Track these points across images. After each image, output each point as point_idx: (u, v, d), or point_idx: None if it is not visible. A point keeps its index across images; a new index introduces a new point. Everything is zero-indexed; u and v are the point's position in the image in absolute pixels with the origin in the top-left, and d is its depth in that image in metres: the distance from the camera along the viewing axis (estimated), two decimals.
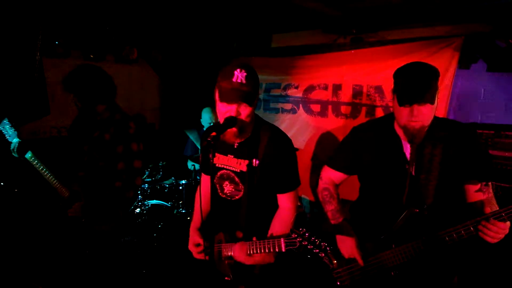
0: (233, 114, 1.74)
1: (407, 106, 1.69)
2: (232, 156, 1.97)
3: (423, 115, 1.69)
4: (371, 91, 3.78)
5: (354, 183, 2.21)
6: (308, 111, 4.31)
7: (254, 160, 1.90)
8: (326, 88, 4.13)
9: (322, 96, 4.16)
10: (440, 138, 1.82)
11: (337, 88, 4.03)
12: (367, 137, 1.99)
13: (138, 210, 4.05)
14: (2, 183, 3.82)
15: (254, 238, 1.81)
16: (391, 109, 3.54)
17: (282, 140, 1.94)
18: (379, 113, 3.75)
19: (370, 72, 3.77)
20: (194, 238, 2.07)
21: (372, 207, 2.04)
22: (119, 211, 2.58)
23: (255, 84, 1.77)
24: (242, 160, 1.93)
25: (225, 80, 1.73)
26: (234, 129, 1.77)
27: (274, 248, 1.70)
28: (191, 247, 2.08)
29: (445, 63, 3.34)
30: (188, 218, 4.01)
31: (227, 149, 1.98)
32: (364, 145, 1.99)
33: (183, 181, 4.23)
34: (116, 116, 2.60)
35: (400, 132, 1.88)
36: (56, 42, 4.37)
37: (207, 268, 2.06)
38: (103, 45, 4.63)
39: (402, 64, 3.48)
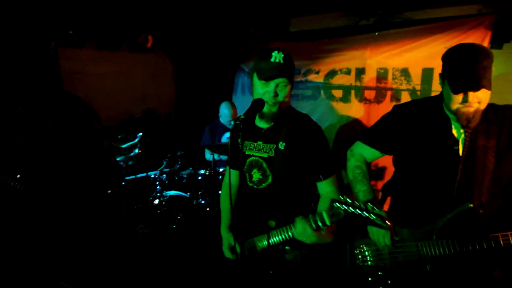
0: (271, 93, 1.73)
1: (461, 93, 1.59)
2: (262, 142, 1.91)
3: (479, 99, 1.59)
4: (396, 74, 3.64)
5: None
6: (330, 97, 4.18)
7: (281, 143, 1.83)
8: (348, 72, 3.99)
9: (345, 81, 4.03)
10: (495, 122, 1.69)
11: (360, 72, 3.89)
12: (411, 115, 1.86)
13: (156, 201, 3.97)
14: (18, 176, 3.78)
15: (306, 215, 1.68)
16: (418, 93, 3.51)
17: (309, 124, 1.86)
18: (406, 97, 3.61)
19: (396, 54, 3.63)
20: (230, 241, 1.99)
21: (414, 191, 1.90)
22: (106, 197, 2.49)
23: (292, 66, 1.78)
24: (270, 145, 1.88)
25: (263, 61, 1.74)
26: (264, 112, 1.76)
27: (317, 225, 1.58)
28: (226, 249, 2.02)
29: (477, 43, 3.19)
30: (208, 208, 3.92)
31: (256, 136, 1.93)
32: (408, 123, 1.85)
33: (202, 171, 4.14)
34: (64, 100, 2.43)
35: (450, 112, 1.75)
36: (71, 32, 4.29)
37: (234, 262, 1.98)
38: (118, 34, 4.55)
39: (429, 46, 3.43)
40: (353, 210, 1.46)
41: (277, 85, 1.72)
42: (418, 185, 1.87)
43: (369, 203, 1.47)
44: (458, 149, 1.73)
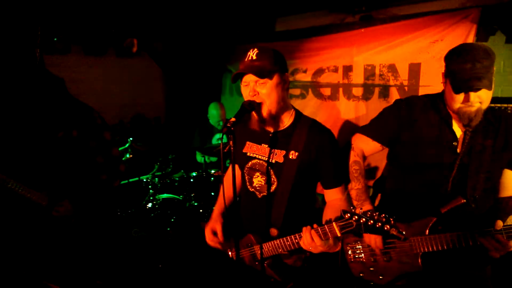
0: (251, 93, 1.68)
1: (463, 93, 1.61)
2: (266, 146, 1.82)
3: (480, 99, 1.61)
4: (384, 70, 3.64)
5: None
6: (318, 95, 4.18)
7: (292, 151, 1.74)
8: (336, 70, 3.98)
9: (332, 79, 4.02)
10: (494, 123, 1.73)
11: (347, 69, 3.89)
12: (413, 110, 1.86)
13: (150, 205, 3.98)
14: None
15: (315, 225, 1.59)
16: (406, 88, 3.51)
17: (324, 133, 1.78)
18: (393, 93, 3.61)
19: (382, 50, 3.62)
20: (214, 225, 1.95)
21: (408, 186, 1.90)
22: (109, 204, 2.50)
23: (269, 60, 1.68)
24: (278, 151, 1.78)
25: (241, 62, 1.73)
26: (256, 114, 1.71)
27: (325, 236, 1.51)
28: (207, 232, 1.96)
29: (462, 37, 3.20)
30: (201, 210, 3.93)
31: (261, 138, 1.85)
32: (409, 117, 1.86)
33: (194, 174, 4.14)
34: (78, 109, 2.40)
35: (451, 111, 1.77)
36: (55, 39, 4.26)
37: (228, 262, 1.97)
38: (104, 39, 4.51)
39: (415, 41, 3.43)
40: (365, 220, 1.39)
41: (255, 83, 1.67)
42: (413, 180, 1.88)
43: (385, 215, 1.40)
44: (456, 146, 1.76)
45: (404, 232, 1.37)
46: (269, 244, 1.75)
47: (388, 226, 1.36)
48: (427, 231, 1.75)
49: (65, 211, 2.29)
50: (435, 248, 1.72)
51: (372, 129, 1.99)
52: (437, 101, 1.83)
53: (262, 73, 1.65)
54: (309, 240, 1.53)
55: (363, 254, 1.95)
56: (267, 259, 1.79)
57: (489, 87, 1.57)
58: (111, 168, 2.41)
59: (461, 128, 1.76)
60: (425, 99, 1.89)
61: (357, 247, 1.97)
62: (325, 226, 1.50)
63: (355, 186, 1.92)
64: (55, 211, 2.30)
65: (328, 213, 1.76)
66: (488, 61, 1.57)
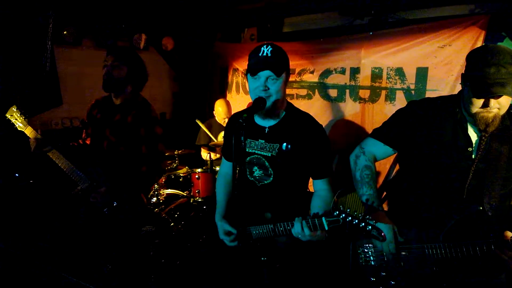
0: (262, 87, 1.77)
1: (483, 98, 1.56)
2: (264, 141, 1.95)
3: (500, 104, 1.56)
4: (391, 73, 3.66)
5: None
6: (325, 96, 4.20)
7: (285, 144, 1.88)
8: (343, 72, 4.00)
9: (339, 80, 4.04)
10: (510, 128, 1.68)
11: (355, 71, 3.91)
12: (427, 112, 1.80)
13: (154, 199, 4.01)
14: (17, 174, 3.80)
15: (306, 217, 1.71)
16: (413, 92, 3.54)
17: (314, 126, 1.92)
18: (400, 96, 3.63)
19: (390, 54, 3.64)
20: (224, 227, 2.01)
21: (422, 191, 1.84)
22: (142, 197, 2.53)
23: (282, 59, 1.80)
24: (273, 144, 1.92)
25: (253, 56, 1.81)
26: (265, 109, 1.79)
27: (314, 228, 1.63)
28: (222, 236, 2.03)
29: (470, 43, 3.22)
30: (204, 207, 3.96)
31: (257, 134, 1.97)
32: (423, 120, 1.79)
33: (199, 170, 4.17)
34: (139, 99, 2.58)
35: (467, 114, 1.71)
36: (65, 32, 4.29)
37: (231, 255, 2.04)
38: (114, 33, 4.54)
39: (423, 45, 3.45)
40: (351, 219, 1.52)
41: (266, 79, 1.76)
42: (427, 185, 1.81)
43: (368, 216, 1.51)
44: (472, 151, 1.69)
45: (383, 234, 1.50)
46: (263, 227, 1.86)
47: (370, 227, 1.50)
48: (441, 237, 1.70)
49: (101, 198, 2.33)
50: (448, 255, 1.67)
51: (384, 133, 1.94)
52: (453, 103, 1.76)
53: (277, 71, 1.75)
54: (300, 229, 1.66)
55: (374, 258, 1.89)
56: (260, 240, 1.92)
57: (511, 94, 1.50)
58: (153, 161, 2.47)
59: (477, 132, 1.70)
60: (440, 101, 1.82)
61: (368, 251, 1.92)
62: (316, 219, 1.63)
63: (367, 192, 1.87)
64: (93, 197, 2.35)
65: (316, 202, 1.93)
66: None
